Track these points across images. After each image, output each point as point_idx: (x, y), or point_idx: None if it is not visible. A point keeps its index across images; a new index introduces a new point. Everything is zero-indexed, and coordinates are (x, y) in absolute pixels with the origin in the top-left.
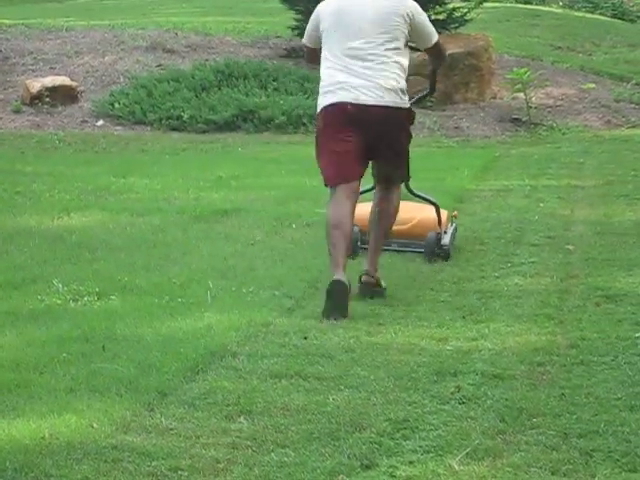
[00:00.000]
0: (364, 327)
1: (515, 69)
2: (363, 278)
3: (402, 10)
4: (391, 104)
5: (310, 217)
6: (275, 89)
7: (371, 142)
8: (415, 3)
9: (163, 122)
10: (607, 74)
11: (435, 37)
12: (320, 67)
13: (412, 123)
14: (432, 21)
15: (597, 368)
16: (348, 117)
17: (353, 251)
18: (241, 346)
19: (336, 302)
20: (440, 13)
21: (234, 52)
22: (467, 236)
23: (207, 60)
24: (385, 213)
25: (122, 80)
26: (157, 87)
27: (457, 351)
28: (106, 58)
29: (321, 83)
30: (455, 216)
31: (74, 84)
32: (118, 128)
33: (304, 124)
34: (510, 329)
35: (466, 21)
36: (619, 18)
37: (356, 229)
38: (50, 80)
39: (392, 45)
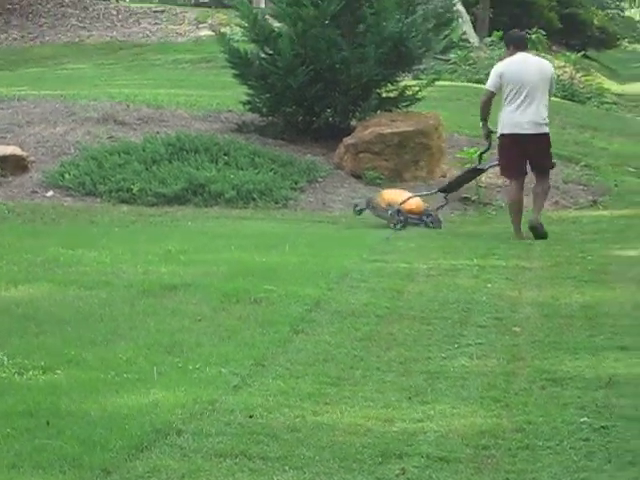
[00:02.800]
0: (310, 407)
1: (465, 148)
2: (536, 224)
3: None
4: None
5: (258, 294)
6: (226, 163)
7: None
8: None
9: (113, 194)
10: (556, 155)
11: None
12: None
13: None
14: (383, 99)
15: (542, 452)
16: None
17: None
18: (186, 424)
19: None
20: (391, 91)
21: (185, 125)
22: (414, 316)
23: (158, 133)
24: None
25: (73, 151)
26: (108, 159)
27: (403, 432)
28: (57, 129)
29: None
30: None
31: (24, 154)
32: (68, 199)
33: (254, 199)
34: (456, 411)
35: (417, 99)
36: (569, 99)
37: None
38: (0, 150)
39: None
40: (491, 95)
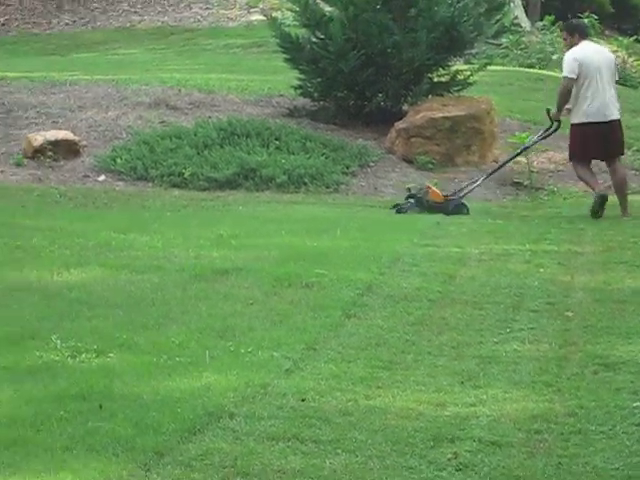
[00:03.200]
0: (362, 390)
1: (517, 133)
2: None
3: None
4: None
5: (310, 278)
6: (277, 148)
7: None
8: None
9: (165, 178)
10: None
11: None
12: None
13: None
14: (435, 83)
15: (594, 437)
16: None
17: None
18: (239, 407)
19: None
20: (443, 76)
21: (237, 110)
22: (466, 300)
23: (210, 117)
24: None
25: (125, 135)
26: (159, 143)
27: (455, 417)
28: (109, 113)
29: None
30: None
31: (76, 139)
32: (120, 183)
33: (305, 183)
34: (508, 395)
35: (469, 84)
36: (621, 84)
37: None
38: (53, 134)
39: None
40: (572, 82)
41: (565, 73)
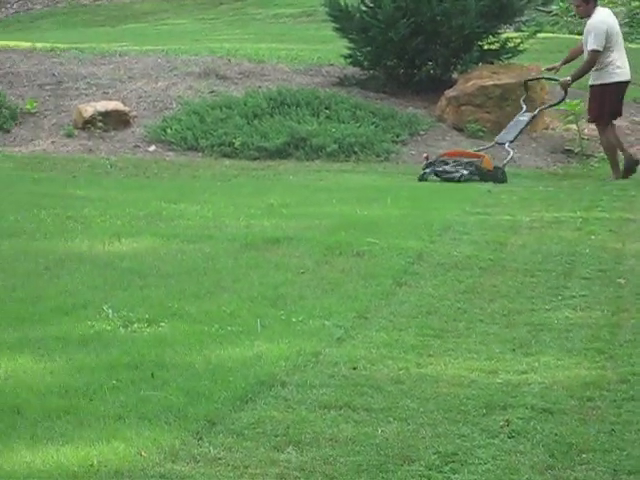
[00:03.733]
0: (414, 359)
1: (567, 101)
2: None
3: None
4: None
5: (360, 246)
6: (327, 117)
7: None
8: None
9: (215, 148)
10: None
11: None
12: None
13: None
14: (485, 51)
15: None
16: None
17: None
18: (290, 376)
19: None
20: (493, 43)
21: (287, 79)
22: (517, 268)
23: (259, 87)
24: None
25: (175, 106)
26: (209, 113)
27: (507, 384)
28: (159, 84)
29: None
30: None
31: (127, 109)
32: (170, 154)
33: (355, 152)
34: (560, 363)
35: (519, 52)
36: None
37: None
38: (103, 105)
39: None
40: (600, 55)
41: (595, 46)
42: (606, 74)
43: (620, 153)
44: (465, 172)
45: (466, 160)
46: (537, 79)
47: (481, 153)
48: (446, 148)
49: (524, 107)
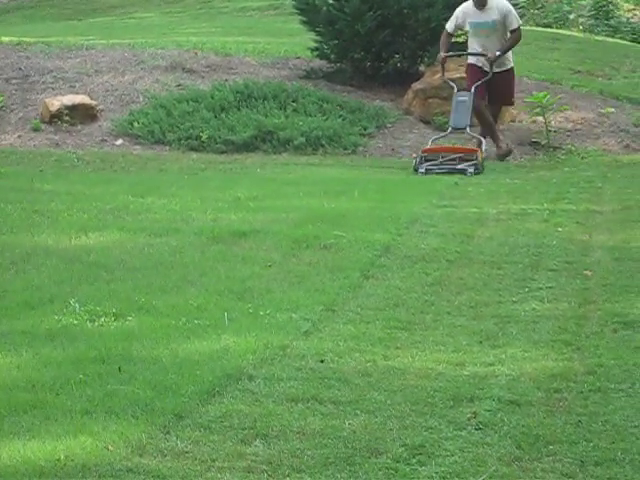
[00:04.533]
0: (381, 351)
1: (534, 93)
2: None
3: None
4: None
5: (328, 239)
6: (294, 110)
7: None
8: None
9: (182, 142)
10: (626, 98)
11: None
12: None
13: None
14: (452, 43)
15: (614, 395)
16: None
17: None
18: (257, 369)
19: None
20: (459, 36)
21: (254, 73)
22: (484, 260)
23: (226, 80)
24: None
25: (141, 99)
26: (176, 107)
27: (474, 376)
28: (126, 77)
29: None
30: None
31: (93, 103)
32: (137, 147)
33: (322, 145)
34: (527, 355)
35: None
36: (639, 42)
37: None
38: (69, 99)
39: None
40: None
41: (520, 23)
42: (512, 58)
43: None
44: (471, 170)
45: (460, 155)
46: (457, 55)
47: (473, 147)
48: (413, 141)
49: (454, 86)
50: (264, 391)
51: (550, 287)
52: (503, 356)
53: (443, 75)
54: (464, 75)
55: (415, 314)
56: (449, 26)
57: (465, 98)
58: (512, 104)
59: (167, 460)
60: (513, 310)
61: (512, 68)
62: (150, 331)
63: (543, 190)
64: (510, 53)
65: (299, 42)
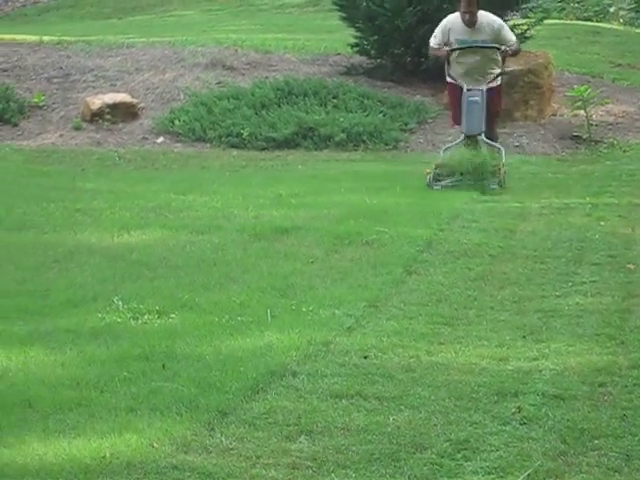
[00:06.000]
0: (424, 347)
1: (575, 86)
2: None
3: None
4: None
5: (370, 235)
6: (335, 106)
7: None
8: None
9: (223, 139)
10: None
11: None
12: None
13: None
14: None
15: None
16: None
17: None
18: (301, 365)
19: None
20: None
21: (294, 69)
22: (527, 254)
23: (267, 77)
24: None
25: (182, 97)
26: (217, 104)
27: (518, 371)
28: (166, 75)
29: None
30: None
31: (134, 101)
32: (178, 145)
33: (364, 141)
34: (571, 349)
35: (526, 38)
36: None
37: None
38: (110, 97)
39: None
40: None
41: (514, 38)
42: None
43: None
44: (494, 185)
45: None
46: (464, 48)
47: (496, 162)
48: (454, 136)
49: (463, 85)
50: (308, 387)
51: (593, 281)
52: (547, 350)
53: (448, 73)
54: None
55: (458, 309)
56: (433, 42)
57: (477, 98)
58: (497, 114)
59: (212, 457)
60: (557, 304)
61: (500, 85)
62: (193, 328)
63: (585, 184)
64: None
65: (339, 38)
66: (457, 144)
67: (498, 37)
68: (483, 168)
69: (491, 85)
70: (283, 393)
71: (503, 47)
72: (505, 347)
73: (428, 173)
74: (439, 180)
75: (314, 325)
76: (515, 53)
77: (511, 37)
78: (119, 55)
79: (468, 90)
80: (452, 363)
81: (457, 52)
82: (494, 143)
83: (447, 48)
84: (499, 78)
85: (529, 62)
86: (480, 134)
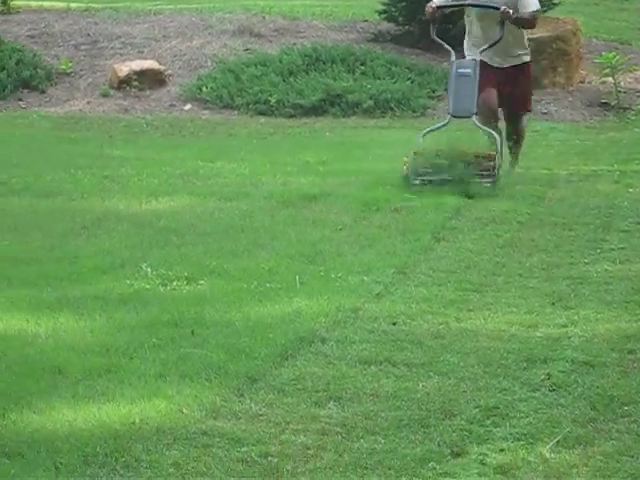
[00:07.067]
0: (453, 313)
1: (604, 53)
2: None
3: None
4: None
5: (398, 202)
6: (362, 73)
7: None
8: None
9: (250, 106)
10: None
11: None
12: None
13: None
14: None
15: None
16: None
17: None
18: (330, 332)
19: None
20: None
21: (321, 36)
22: (556, 222)
23: (294, 44)
24: None
25: (210, 64)
26: (245, 71)
27: (547, 338)
28: (194, 42)
29: None
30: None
31: (162, 68)
32: (205, 112)
33: (391, 108)
34: (600, 316)
35: (554, 5)
36: None
37: None
38: (138, 64)
39: None
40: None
41: (539, 6)
42: (527, 47)
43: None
44: (488, 182)
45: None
46: (456, 6)
47: (489, 151)
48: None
49: (451, 51)
50: (337, 354)
51: (622, 248)
52: (576, 317)
53: (433, 34)
54: None
55: (487, 276)
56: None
57: (469, 70)
58: (529, 110)
59: (241, 423)
60: (585, 271)
61: (529, 63)
62: (222, 295)
63: (613, 151)
64: (525, 41)
65: (366, 5)
66: (440, 127)
67: (518, 2)
68: (472, 160)
69: (515, 63)
70: (312, 359)
71: (503, 7)
72: (534, 314)
73: (405, 163)
74: (419, 174)
75: (343, 291)
76: (523, 23)
77: (530, 5)
78: (146, 22)
79: (456, 59)
80: (481, 330)
81: (471, 16)
82: (488, 129)
83: (435, 2)
84: (527, 55)
85: (557, 29)
86: (469, 116)
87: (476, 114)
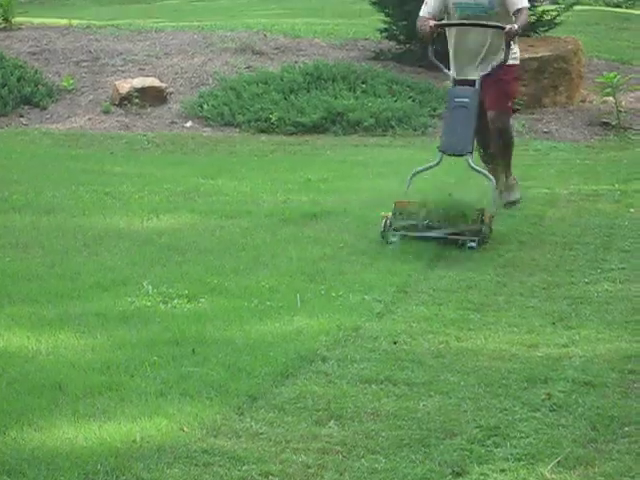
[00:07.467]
0: (454, 332)
1: (605, 73)
2: None
3: None
4: None
5: None
6: (363, 91)
7: None
8: None
9: (251, 124)
10: None
11: None
12: None
13: None
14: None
15: None
16: None
17: None
18: (331, 350)
19: None
20: (529, 16)
21: (323, 54)
22: (556, 241)
23: (296, 62)
24: None
25: (211, 81)
26: (246, 89)
27: (547, 358)
28: (195, 59)
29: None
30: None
31: (163, 85)
32: (207, 129)
33: (392, 127)
34: (601, 336)
35: (556, 24)
36: None
37: None
38: (139, 81)
39: None
40: None
41: (526, 3)
42: (514, 52)
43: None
44: (474, 244)
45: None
46: (454, 25)
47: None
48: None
49: (450, 74)
50: (337, 372)
51: (622, 268)
52: (577, 337)
53: (431, 55)
54: None
55: (487, 296)
56: (424, 10)
57: (466, 100)
58: (503, 110)
59: (242, 441)
60: (586, 291)
61: (515, 66)
62: (223, 313)
63: (614, 171)
64: (515, 45)
65: (368, 23)
66: (431, 167)
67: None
68: (459, 220)
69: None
70: (313, 378)
71: (508, 27)
72: (535, 333)
73: (384, 217)
74: (397, 229)
75: (343, 310)
76: (525, 29)
77: (517, 1)
78: (148, 39)
79: (454, 86)
80: (482, 349)
81: (457, 16)
82: (483, 171)
83: (433, 22)
84: (515, 58)
85: (558, 48)
86: (464, 154)
87: (471, 153)
